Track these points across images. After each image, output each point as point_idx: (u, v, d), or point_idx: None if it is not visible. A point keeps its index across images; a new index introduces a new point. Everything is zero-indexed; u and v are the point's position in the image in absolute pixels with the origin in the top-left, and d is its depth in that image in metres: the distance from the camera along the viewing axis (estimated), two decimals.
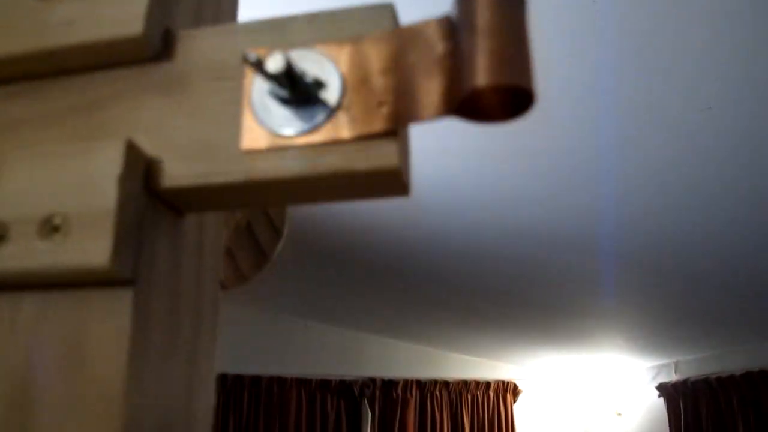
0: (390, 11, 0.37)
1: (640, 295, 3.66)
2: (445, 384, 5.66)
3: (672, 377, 5.06)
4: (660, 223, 2.73)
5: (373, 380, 5.52)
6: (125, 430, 0.32)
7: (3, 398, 0.33)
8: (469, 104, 0.32)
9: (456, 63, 0.32)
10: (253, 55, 0.35)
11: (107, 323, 0.34)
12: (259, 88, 0.37)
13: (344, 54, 0.36)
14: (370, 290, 4.20)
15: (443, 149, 2.35)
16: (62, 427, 0.32)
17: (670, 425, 4.98)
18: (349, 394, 5.49)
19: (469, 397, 5.69)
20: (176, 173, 0.36)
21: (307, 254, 3.63)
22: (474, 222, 2.86)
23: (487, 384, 5.75)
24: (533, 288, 3.68)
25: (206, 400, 0.41)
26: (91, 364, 0.33)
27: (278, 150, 0.35)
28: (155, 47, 0.39)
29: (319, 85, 0.35)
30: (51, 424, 0.32)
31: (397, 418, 5.47)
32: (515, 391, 5.82)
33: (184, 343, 0.39)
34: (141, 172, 0.36)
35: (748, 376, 4.39)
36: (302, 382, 5.38)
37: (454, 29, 0.33)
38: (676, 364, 5.06)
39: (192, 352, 0.39)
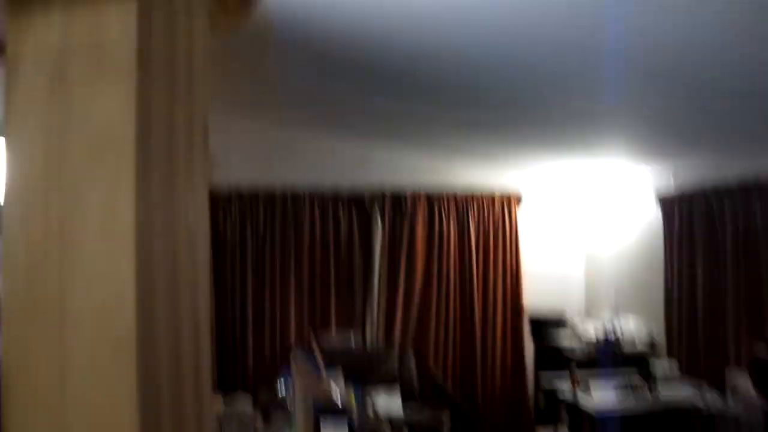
0: None
1: (642, 98, 3.72)
2: (453, 196, 5.92)
3: (670, 183, 5.23)
4: (667, 26, 2.72)
5: (383, 192, 5.77)
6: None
7: None
8: None
9: None
10: None
11: (119, 26, 0.45)
12: None
13: None
14: (380, 99, 4.28)
15: None
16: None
17: (664, 231, 5.24)
18: (360, 205, 5.77)
19: (475, 205, 5.97)
20: None
21: (315, 65, 3.68)
22: (478, 25, 2.85)
23: (492, 197, 6.00)
24: (538, 91, 3.73)
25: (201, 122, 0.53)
26: (109, 62, 0.45)
27: None
28: None
29: None
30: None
31: (407, 227, 5.79)
32: (519, 201, 6.09)
33: (180, 77, 0.50)
34: None
35: (743, 186, 4.52)
36: (315, 194, 5.63)
37: None
38: (675, 171, 5.21)
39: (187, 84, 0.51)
